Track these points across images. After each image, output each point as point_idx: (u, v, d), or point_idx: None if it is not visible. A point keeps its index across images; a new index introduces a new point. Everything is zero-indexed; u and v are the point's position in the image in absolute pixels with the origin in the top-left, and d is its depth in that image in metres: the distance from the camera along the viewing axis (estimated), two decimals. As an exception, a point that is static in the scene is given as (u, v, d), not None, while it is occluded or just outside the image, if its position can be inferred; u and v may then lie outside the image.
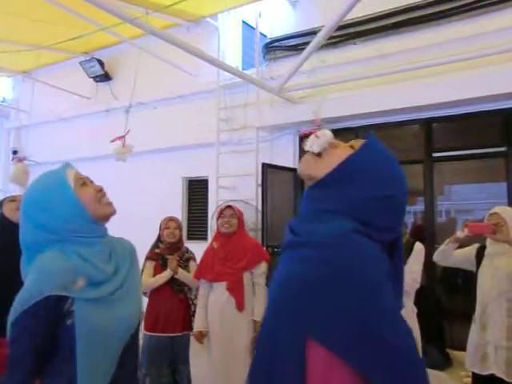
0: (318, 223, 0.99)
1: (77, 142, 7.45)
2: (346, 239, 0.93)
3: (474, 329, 2.77)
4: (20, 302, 1.18)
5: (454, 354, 4.44)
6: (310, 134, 1.13)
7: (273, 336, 0.95)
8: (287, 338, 0.91)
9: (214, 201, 5.88)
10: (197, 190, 6.55)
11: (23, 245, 1.32)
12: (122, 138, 3.49)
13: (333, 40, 4.98)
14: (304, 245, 0.97)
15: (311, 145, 1.07)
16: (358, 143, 1.09)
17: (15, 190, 8.81)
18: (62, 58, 7.62)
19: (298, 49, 5.46)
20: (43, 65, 8.02)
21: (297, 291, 0.92)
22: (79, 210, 1.32)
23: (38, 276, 1.23)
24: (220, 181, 5.94)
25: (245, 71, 5.60)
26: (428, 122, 4.93)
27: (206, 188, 6.31)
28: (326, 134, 1.08)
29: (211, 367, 2.96)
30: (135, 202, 6.32)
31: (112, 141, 3.63)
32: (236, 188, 5.90)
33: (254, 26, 5.92)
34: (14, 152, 8.65)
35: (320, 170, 1.05)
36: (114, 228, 1.60)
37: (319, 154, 1.07)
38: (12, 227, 1.84)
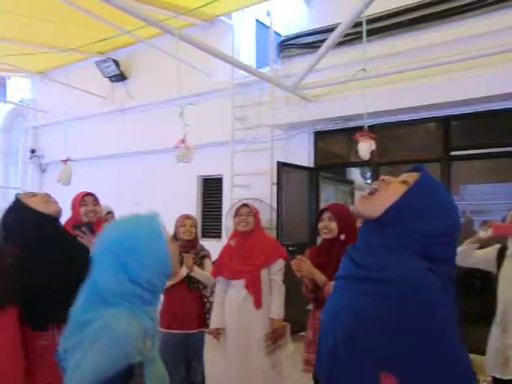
0: (385, 257, 1.01)
1: (92, 141, 7.52)
2: (423, 279, 0.94)
3: (495, 331, 2.69)
4: (95, 372, 1.07)
5: (473, 357, 4.37)
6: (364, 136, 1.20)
7: (343, 365, 0.98)
8: (360, 368, 0.95)
9: (229, 199, 5.89)
10: (211, 188, 6.57)
11: (93, 287, 1.18)
12: (183, 141, 3.49)
13: (348, 37, 4.93)
14: (376, 280, 0.99)
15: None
16: (411, 178, 1.09)
17: (32, 188, 8.96)
18: (79, 58, 7.70)
19: (312, 46, 5.43)
20: (60, 65, 8.13)
21: (373, 326, 0.94)
22: (168, 268, 1.24)
23: (116, 342, 1.09)
24: (234, 179, 5.95)
25: (259, 70, 5.59)
26: (446, 120, 4.86)
27: (221, 186, 6.33)
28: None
29: (226, 364, 2.97)
30: (150, 201, 6.36)
31: (177, 146, 3.63)
32: (250, 186, 5.91)
33: (268, 24, 5.91)
34: (32, 151, 8.79)
35: (375, 209, 1.06)
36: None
37: (373, 193, 1.09)
38: (48, 218, 1.85)
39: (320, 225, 2.50)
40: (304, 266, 2.35)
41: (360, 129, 5.26)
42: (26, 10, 5.37)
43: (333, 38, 3.69)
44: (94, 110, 7.66)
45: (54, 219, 1.89)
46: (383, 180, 1.10)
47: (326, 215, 2.48)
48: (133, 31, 5.63)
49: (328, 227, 2.46)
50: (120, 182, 6.92)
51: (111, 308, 1.14)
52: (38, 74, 8.49)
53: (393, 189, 1.06)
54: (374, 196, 1.08)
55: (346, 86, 5.09)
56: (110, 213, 3.33)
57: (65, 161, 4.44)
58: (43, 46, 6.56)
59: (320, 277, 2.35)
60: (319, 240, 5.44)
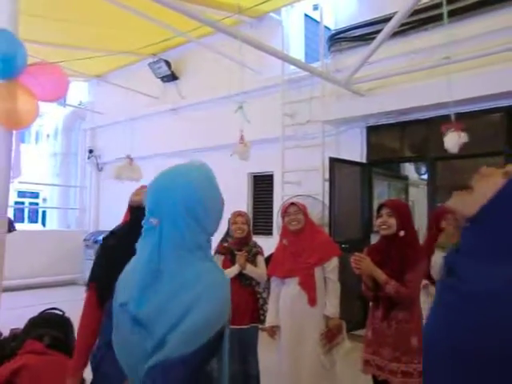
0: (489, 265, 0.84)
1: (146, 140, 7.75)
2: None
3: None
4: (207, 325, 1.05)
5: None
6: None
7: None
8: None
9: (280, 196, 5.87)
10: (262, 185, 6.58)
11: (170, 242, 1.12)
12: (242, 137, 3.53)
13: (402, 27, 4.76)
14: (484, 296, 0.82)
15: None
16: None
17: (91, 186, 9.36)
18: (132, 60, 7.97)
19: (364, 39, 5.30)
20: (115, 68, 8.46)
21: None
22: (221, 215, 1.21)
23: (221, 298, 1.10)
24: (285, 176, 5.92)
25: (310, 65, 5.52)
26: (510, 111, 4.57)
27: (271, 183, 6.32)
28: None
29: (280, 361, 2.96)
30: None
31: (240, 143, 3.68)
32: (301, 183, 5.85)
33: (316, 18, 5.83)
34: (90, 151, 9.20)
35: (473, 205, 0.91)
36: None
37: (470, 187, 0.94)
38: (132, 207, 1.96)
39: (378, 221, 2.43)
40: (363, 263, 2.29)
41: (416, 122, 5.11)
42: (83, 18, 5.61)
43: (389, 27, 3.57)
44: (147, 110, 7.89)
45: (135, 208, 1.96)
46: (481, 172, 0.95)
47: (385, 211, 2.40)
48: (183, 32, 5.74)
49: (386, 223, 2.38)
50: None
51: (201, 262, 1.13)
52: (95, 77, 8.86)
53: (493, 182, 0.90)
54: (471, 191, 0.94)
55: (399, 79, 4.93)
56: None
57: (128, 158, 4.59)
58: (100, 50, 6.82)
59: (380, 275, 2.28)
60: (373, 237, 5.39)
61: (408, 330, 2.26)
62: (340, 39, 5.62)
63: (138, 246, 1.18)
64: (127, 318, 1.10)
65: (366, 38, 5.29)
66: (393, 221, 2.37)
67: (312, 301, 2.84)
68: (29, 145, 13.70)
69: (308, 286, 2.85)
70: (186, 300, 1.06)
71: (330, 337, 2.86)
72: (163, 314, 1.06)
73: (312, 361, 2.83)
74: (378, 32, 4.99)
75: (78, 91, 9.61)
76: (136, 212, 1.89)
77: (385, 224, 2.39)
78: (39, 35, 5.74)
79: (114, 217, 8.77)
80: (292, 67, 5.83)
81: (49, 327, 2.15)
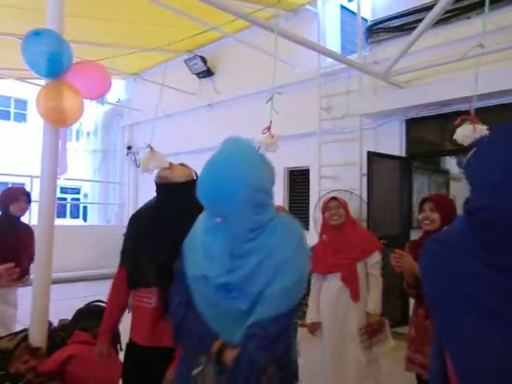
0: None
1: (182, 136, 7.85)
2: None
3: None
4: (302, 278, 1.24)
5: None
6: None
7: None
8: None
9: (316, 191, 5.81)
10: (298, 180, 6.54)
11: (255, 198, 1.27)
12: (269, 128, 3.53)
13: (443, 15, 4.59)
14: None
15: None
16: None
17: (129, 182, 9.58)
18: (168, 57, 8.06)
19: (403, 29, 5.15)
20: (152, 66, 8.59)
21: None
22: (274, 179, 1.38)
23: (307, 254, 1.29)
24: (322, 170, 5.86)
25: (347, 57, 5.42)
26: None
27: (308, 178, 6.27)
28: None
29: (321, 357, 2.94)
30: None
31: (263, 133, 3.69)
32: (339, 177, 5.78)
33: (352, 9, 5.71)
34: (129, 147, 9.40)
35: None
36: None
37: None
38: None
39: (421, 216, 2.36)
40: (404, 261, 2.23)
41: (457, 114, 4.92)
42: (120, 16, 5.72)
43: (432, 16, 3.45)
44: (184, 106, 7.98)
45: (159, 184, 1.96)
46: None
47: (428, 205, 2.33)
48: (218, 26, 5.74)
49: (430, 218, 2.31)
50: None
51: (279, 226, 1.28)
52: (132, 75, 9.04)
53: None
54: None
55: (441, 69, 4.77)
56: None
57: (150, 147, 4.62)
58: (137, 48, 6.94)
59: (422, 272, 2.21)
60: (412, 233, 5.25)
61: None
62: (378, 30, 5.48)
63: (207, 234, 1.33)
64: (212, 287, 1.27)
65: (405, 28, 5.14)
66: (436, 216, 2.29)
67: (355, 296, 2.80)
68: (70, 142, 14.14)
69: (351, 280, 2.82)
70: (276, 262, 1.22)
71: (370, 333, 2.81)
72: (257, 277, 1.23)
73: (354, 357, 2.80)
74: (417, 21, 4.84)
75: (116, 89, 9.84)
76: (160, 188, 1.90)
77: (427, 219, 2.31)
78: (77, 35, 5.89)
79: (151, 212, 8.99)
80: (328, 60, 5.75)
81: (95, 319, 2.22)
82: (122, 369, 1.82)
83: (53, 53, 2.00)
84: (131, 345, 1.82)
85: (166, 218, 1.82)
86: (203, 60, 7.38)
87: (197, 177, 1.96)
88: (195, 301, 1.34)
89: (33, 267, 2.09)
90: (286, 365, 1.32)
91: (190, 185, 1.84)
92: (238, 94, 7.04)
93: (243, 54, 6.95)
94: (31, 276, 3.30)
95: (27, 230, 3.47)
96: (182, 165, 1.94)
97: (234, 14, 3.34)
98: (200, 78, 7.66)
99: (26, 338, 1.96)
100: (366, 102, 5.38)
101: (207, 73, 7.49)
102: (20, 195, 3.36)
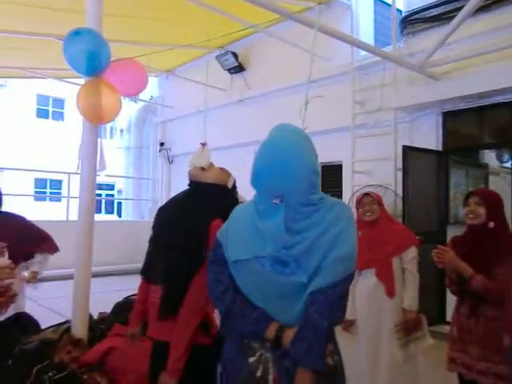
0: None
1: (214, 131, 7.89)
2: None
3: None
4: (354, 251, 1.37)
5: None
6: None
7: None
8: None
9: (349, 186, 5.74)
10: (331, 175, 6.46)
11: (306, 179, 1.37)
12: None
13: (483, 3, 4.42)
14: None
15: None
16: None
17: (162, 178, 9.72)
18: (200, 54, 8.13)
19: (440, 19, 4.99)
20: (184, 62, 8.68)
21: None
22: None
23: (353, 232, 1.41)
24: (355, 165, 5.77)
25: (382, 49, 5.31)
26: None
27: (340, 173, 6.19)
28: None
29: (356, 353, 2.90)
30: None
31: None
32: (372, 172, 5.68)
33: (386, 1, 5.57)
34: (161, 144, 9.54)
35: None
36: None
37: None
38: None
39: (465, 210, 2.28)
40: (447, 256, 2.16)
41: (497, 106, 4.75)
42: (153, 14, 5.78)
43: (472, 4, 3.31)
44: (216, 102, 8.01)
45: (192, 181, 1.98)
46: None
47: (473, 199, 2.25)
48: (248, 21, 5.74)
49: (475, 212, 2.22)
50: (242, 171, 7.15)
51: (330, 205, 1.40)
52: (165, 72, 9.15)
53: None
54: None
55: (480, 60, 4.60)
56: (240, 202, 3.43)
57: (203, 144, 4.66)
58: (169, 45, 7.02)
59: (465, 268, 2.14)
60: (449, 229, 5.11)
61: (499, 328, 2.11)
62: (413, 21, 5.34)
63: (261, 217, 1.41)
64: (266, 266, 1.36)
65: (442, 18, 4.99)
66: (482, 210, 2.21)
67: (390, 292, 2.75)
68: (104, 140, 14.47)
69: (386, 276, 2.76)
70: (331, 236, 1.34)
71: (406, 329, 2.75)
72: (315, 250, 1.33)
73: (389, 354, 2.75)
74: (454, 11, 4.69)
75: (149, 86, 9.98)
76: (189, 185, 1.93)
77: (473, 213, 2.23)
78: (113, 33, 6.00)
79: (184, 207, 9.04)
80: (362, 53, 5.65)
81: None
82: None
83: (92, 51, 2.05)
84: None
85: (185, 215, 1.82)
86: (235, 56, 7.40)
87: (234, 185, 1.98)
88: (241, 286, 1.40)
89: (74, 262, 2.15)
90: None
91: (220, 189, 1.88)
92: (270, 88, 7.03)
93: (274, 49, 6.93)
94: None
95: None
96: (221, 169, 1.95)
97: (269, 8, 3.31)
98: (231, 73, 7.68)
99: (68, 329, 2.02)
100: (401, 95, 5.25)
101: (239, 68, 7.50)
102: None
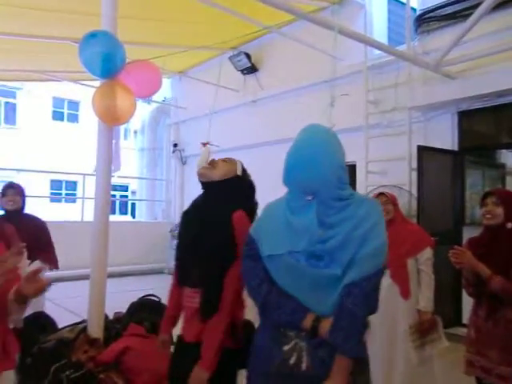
0: None
1: (227, 132, 7.90)
2: None
3: None
4: (385, 245, 1.42)
5: None
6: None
7: None
8: None
9: (363, 186, 5.70)
10: (344, 175, 6.43)
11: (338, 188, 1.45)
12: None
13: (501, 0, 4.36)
14: None
15: None
16: None
17: (176, 179, 9.77)
18: (213, 55, 8.15)
19: (456, 17, 4.93)
20: (196, 64, 8.71)
21: None
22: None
23: (383, 228, 1.46)
24: (369, 165, 5.73)
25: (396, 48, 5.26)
26: None
27: (354, 173, 6.15)
28: None
29: (371, 357, 2.87)
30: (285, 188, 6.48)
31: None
32: (386, 173, 5.64)
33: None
34: (175, 145, 9.59)
35: None
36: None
37: None
38: None
39: (482, 210, 2.25)
40: (464, 257, 2.13)
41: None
42: (165, 15, 5.81)
43: (488, 2, 3.27)
44: (228, 103, 8.02)
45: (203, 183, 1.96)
46: None
47: (491, 199, 2.21)
48: (261, 21, 5.73)
49: (492, 212, 2.19)
50: (255, 171, 7.14)
51: (360, 201, 1.47)
52: (177, 73, 9.20)
53: None
54: None
55: (496, 58, 4.53)
56: None
57: (205, 144, 4.73)
58: (182, 46, 7.06)
59: (483, 269, 2.11)
60: (465, 230, 5.04)
61: (519, 331, 2.07)
62: (428, 19, 5.28)
63: (294, 213, 1.47)
64: (300, 260, 1.42)
65: (458, 16, 4.93)
66: (499, 210, 2.17)
67: (405, 293, 2.72)
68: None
69: (400, 277, 2.74)
70: (364, 230, 1.40)
71: (421, 331, 2.72)
72: (348, 244, 1.39)
73: (404, 356, 2.73)
74: (470, 8, 4.63)
75: (162, 88, 10.03)
76: (202, 186, 1.93)
77: (490, 213, 2.20)
78: (127, 35, 6.05)
79: (197, 208, 9.02)
80: (376, 52, 5.61)
81: (148, 312, 2.28)
82: (170, 359, 1.88)
83: (107, 53, 2.07)
84: (178, 338, 1.88)
85: (206, 217, 1.82)
86: (248, 56, 7.40)
87: (243, 169, 1.98)
88: (276, 279, 1.46)
89: (90, 262, 2.17)
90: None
91: (230, 182, 1.87)
92: (283, 89, 7.02)
93: (287, 49, 6.92)
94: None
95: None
96: (224, 160, 1.94)
97: (287, 10, 3.31)
98: (244, 74, 7.69)
99: (84, 329, 2.04)
100: (416, 95, 5.20)
101: (251, 69, 7.51)
102: (6, 189, 3.43)
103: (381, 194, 2.96)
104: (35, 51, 6.37)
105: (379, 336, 2.82)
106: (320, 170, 1.41)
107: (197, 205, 1.93)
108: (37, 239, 3.29)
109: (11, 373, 1.62)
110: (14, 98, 16.51)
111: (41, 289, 1.49)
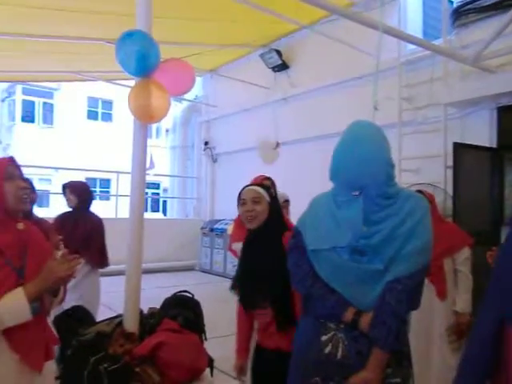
0: None
1: (259, 130, 7.90)
2: None
3: None
4: (431, 242, 1.44)
5: None
6: None
7: None
8: None
9: (397, 185, 5.59)
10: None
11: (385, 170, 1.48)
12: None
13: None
14: None
15: None
16: None
17: (206, 177, 9.85)
18: (244, 53, 8.17)
19: (497, 8, 4.75)
20: (227, 62, 8.75)
21: None
22: None
23: (429, 225, 1.47)
24: (402, 163, 5.61)
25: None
26: None
27: (387, 171, 6.05)
28: None
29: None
30: (319, 187, 6.42)
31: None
32: (420, 170, 5.51)
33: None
34: (206, 143, 9.67)
35: None
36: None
37: None
38: None
39: None
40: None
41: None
42: (197, 14, 5.86)
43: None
44: (259, 100, 8.03)
45: None
46: None
47: None
48: (293, 18, 5.70)
49: None
50: (288, 169, 7.12)
51: (408, 197, 1.49)
52: (209, 72, 9.27)
53: None
54: None
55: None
56: (286, 201, 3.42)
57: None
58: (214, 45, 7.10)
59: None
60: (503, 230, 4.86)
61: None
62: (466, 11, 5.12)
63: (340, 208, 1.51)
64: (343, 255, 1.46)
65: (498, 8, 4.75)
66: None
67: (441, 293, 2.66)
68: (150, 139, 14.88)
69: (436, 277, 2.68)
70: (409, 226, 1.41)
71: (459, 333, 2.65)
72: (392, 240, 1.41)
73: (442, 359, 2.66)
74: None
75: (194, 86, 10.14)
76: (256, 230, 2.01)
77: None
78: (160, 34, 6.12)
79: (228, 206, 9.07)
80: (410, 47, 5.49)
81: (182, 308, 2.31)
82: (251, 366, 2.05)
83: (142, 52, 2.10)
84: (257, 347, 2.03)
85: (264, 246, 1.95)
86: (278, 53, 7.38)
87: (271, 191, 2.06)
88: (320, 272, 1.51)
89: (125, 258, 2.21)
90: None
91: (271, 217, 1.96)
92: (314, 86, 6.96)
93: (318, 46, 6.85)
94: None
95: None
96: (255, 201, 1.95)
97: (316, 4, 3.27)
98: (275, 71, 7.67)
99: (120, 323, 2.09)
100: (452, 90, 5.05)
101: (282, 66, 7.48)
102: (63, 189, 3.63)
103: (418, 191, 2.90)
104: (72, 52, 6.55)
105: (414, 338, 2.75)
106: (370, 168, 1.42)
107: (254, 237, 2.01)
108: (90, 237, 3.48)
109: (52, 363, 1.69)
110: (52, 98, 17.05)
111: (68, 272, 1.55)
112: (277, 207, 2.04)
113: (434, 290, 2.68)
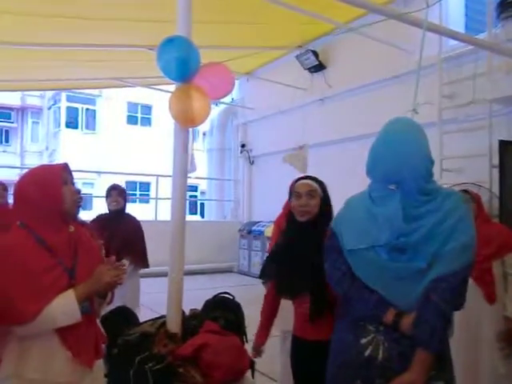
0: None
1: (296, 131, 7.87)
2: None
3: None
4: (475, 239, 1.41)
5: None
6: None
7: None
8: None
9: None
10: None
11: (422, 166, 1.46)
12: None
13: None
14: None
15: None
16: None
17: (244, 179, 9.89)
18: (280, 54, 8.17)
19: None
20: (263, 64, 8.78)
21: None
22: None
23: (471, 223, 1.45)
24: (444, 163, 5.45)
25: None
26: None
27: (428, 171, 5.88)
28: None
29: (454, 364, 2.72)
30: (356, 187, 6.33)
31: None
32: (463, 170, 5.32)
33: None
34: (242, 145, 9.73)
35: None
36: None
37: None
38: None
39: None
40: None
41: None
42: (236, 18, 5.90)
43: None
44: (296, 102, 7.99)
45: None
46: None
47: None
48: (329, 17, 5.64)
49: None
50: (326, 170, 7.03)
51: (446, 194, 1.46)
52: (245, 74, 9.33)
53: None
54: None
55: None
56: None
57: (301, 147, 4.85)
58: (251, 47, 7.13)
59: None
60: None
61: None
62: (512, 3, 4.91)
63: (377, 204, 1.50)
64: (382, 254, 1.43)
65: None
66: None
67: (490, 297, 2.56)
68: (195, 143, 15.12)
69: (484, 280, 2.58)
70: (452, 222, 1.38)
71: (509, 339, 2.54)
72: (434, 237, 1.38)
73: (490, 366, 2.56)
74: None
75: (233, 89, 10.23)
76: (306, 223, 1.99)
77: None
78: (199, 39, 6.20)
79: (265, 208, 9.05)
80: (451, 43, 5.32)
81: (223, 310, 2.33)
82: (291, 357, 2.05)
83: (183, 58, 2.14)
84: (294, 338, 2.04)
85: (309, 240, 1.94)
86: (315, 54, 7.33)
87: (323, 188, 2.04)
88: (358, 272, 1.48)
89: (168, 260, 2.26)
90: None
91: (321, 211, 1.97)
92: (351, 86, 6.88)
93: (355, 45, 6.76)
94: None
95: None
96: (310, 195, 1.95)
97: (363, 6, 3.23)
98: (312, 72, 7.62)
99: (164, 323, 2.13)
100: (498, 86, 4.85)
101: (319, 67, 7.42)
102: (110, 191, 3.75)
103: (463, 191, 2.82)
104: (114, 59, 6.75)
105: (461, 340, 2.67)
106: (410, 158, 1.41)
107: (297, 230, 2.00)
108: (132, 238, 3.60)
109: (101, 362, 1.74)
110: (94, 104, 17.66)
111: (117, 278, 1.61)
112: (328, 202, 2.03)
113: (482, 293, 2.59)
